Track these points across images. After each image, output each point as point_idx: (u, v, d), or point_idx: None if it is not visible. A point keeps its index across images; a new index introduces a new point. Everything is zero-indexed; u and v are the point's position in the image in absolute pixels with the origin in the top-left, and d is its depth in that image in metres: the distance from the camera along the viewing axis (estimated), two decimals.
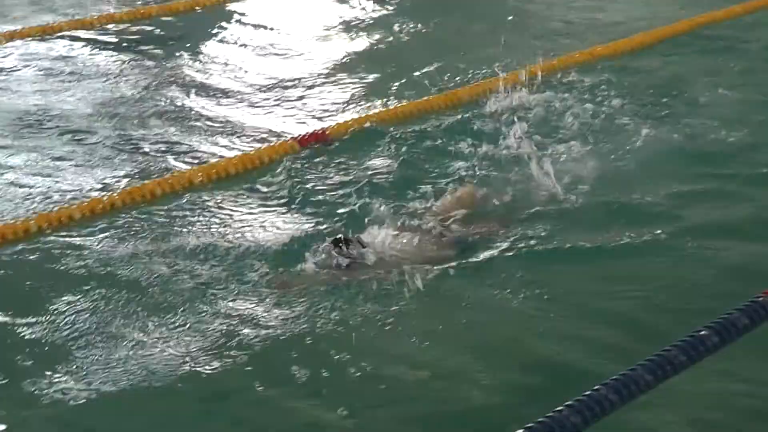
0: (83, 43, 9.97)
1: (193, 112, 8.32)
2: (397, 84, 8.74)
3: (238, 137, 7.81)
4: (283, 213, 6.42)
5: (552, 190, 6.35)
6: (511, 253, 5.70)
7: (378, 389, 4.60)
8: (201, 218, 6.40)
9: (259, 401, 4.55)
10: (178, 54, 9.68)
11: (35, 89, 8.81)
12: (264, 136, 7.80)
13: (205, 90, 8.82)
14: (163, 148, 7.59)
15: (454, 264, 5.58)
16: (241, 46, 10.01)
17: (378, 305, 5.22)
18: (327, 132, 7.66)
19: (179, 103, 8.50)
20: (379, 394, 4.58)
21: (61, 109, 8.33)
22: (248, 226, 6.25)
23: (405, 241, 5.72)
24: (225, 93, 8.74)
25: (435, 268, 5.52)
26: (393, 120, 7.88)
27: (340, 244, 5.52)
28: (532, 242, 5.81)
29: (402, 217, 6.02)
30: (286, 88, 8.82)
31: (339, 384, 4.62)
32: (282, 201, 6.58)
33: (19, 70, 9.32)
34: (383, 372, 4.70)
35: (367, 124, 7.75)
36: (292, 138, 7.59)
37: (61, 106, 8.42)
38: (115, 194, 6.68)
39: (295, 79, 8.99)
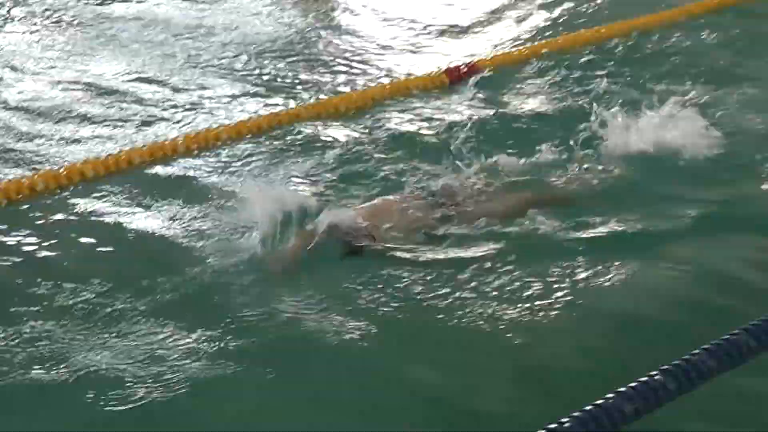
0: None
1: (346, 41, 8.38)
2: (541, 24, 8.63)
3: (390, 69, 7.82)
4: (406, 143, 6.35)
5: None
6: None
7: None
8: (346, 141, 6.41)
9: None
10: None
11: (183, 25, 8.95)
12: (413, 69, 7.78)
13: (359, 24, 8.83)
14: (319, 73, 7.68)
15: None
16: None
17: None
18: (475, 67, 7.56)
19: (335, 31, 8.58)
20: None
21: (206, 40, 8.46)
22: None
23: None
24: (381, 27, 8.75)
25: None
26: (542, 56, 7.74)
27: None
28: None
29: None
30: (440, 26, 8.78)
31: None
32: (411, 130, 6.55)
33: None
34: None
35: (514, 63, 7.67)
36: (441, 71, 7.53)
37: (205, 36, 8.55)
38: (261, 118, 6.75)
39: (451, 18, 8.95)
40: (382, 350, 4.32)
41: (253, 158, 6.20)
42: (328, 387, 4.10)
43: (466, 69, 7.51)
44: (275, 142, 6.42)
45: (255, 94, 7.30)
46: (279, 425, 3.91)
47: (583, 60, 7.50)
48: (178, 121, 6.82)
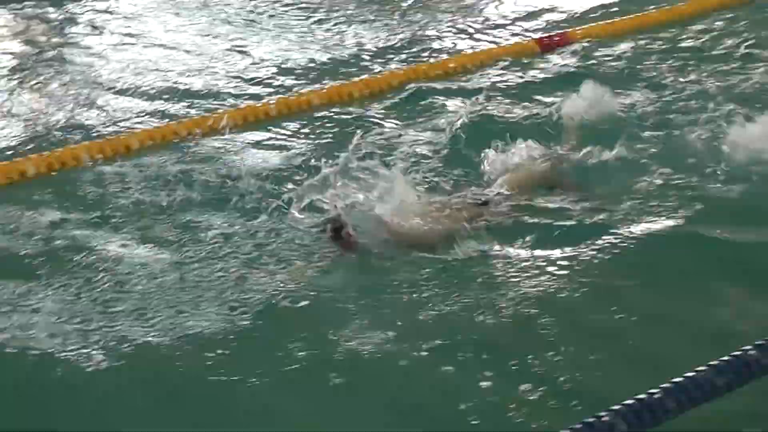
0: None
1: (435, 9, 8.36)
2: None
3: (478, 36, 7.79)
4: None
5: None
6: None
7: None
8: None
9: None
10: None
11: None
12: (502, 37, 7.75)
13: None
14: (405, 42, 7.68)
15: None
16: None
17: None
18: (566, 37, 7.49)
19: None
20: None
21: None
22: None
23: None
24: None
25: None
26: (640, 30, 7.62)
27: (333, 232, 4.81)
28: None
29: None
30: None
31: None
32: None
33: None
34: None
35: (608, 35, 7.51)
36: (532, 39, 7.49)
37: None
38: (351, 83, 6.81)
39: None
40: (399, 348, 4.15)
41: (326, 127, 6.24)
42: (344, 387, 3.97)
43: (558, 38, 7.44)
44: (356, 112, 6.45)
45: (341, 62, 7.32)
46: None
47: (683, 37, 7.37)
48: (270, 86, 6.89)
